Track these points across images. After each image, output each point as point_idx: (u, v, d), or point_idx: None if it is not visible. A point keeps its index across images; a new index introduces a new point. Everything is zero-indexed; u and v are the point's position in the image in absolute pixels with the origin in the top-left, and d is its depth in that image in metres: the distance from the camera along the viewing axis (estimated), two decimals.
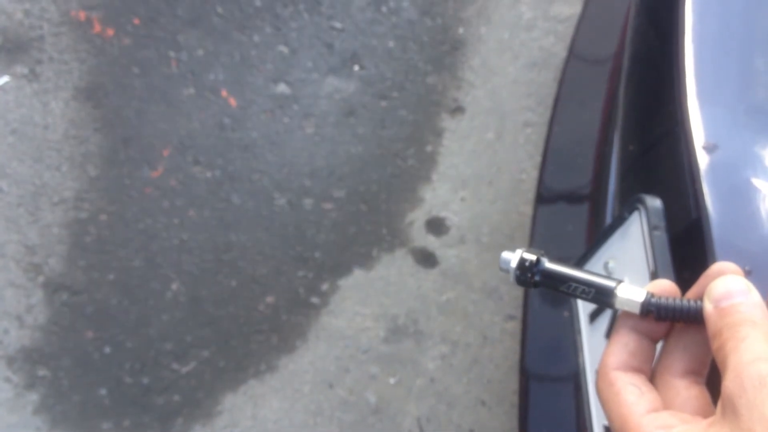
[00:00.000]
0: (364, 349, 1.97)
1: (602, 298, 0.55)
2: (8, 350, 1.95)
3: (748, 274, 0.87)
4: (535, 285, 0.58)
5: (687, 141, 0.97)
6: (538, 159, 2.14)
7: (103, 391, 1.92)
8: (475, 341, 1.99)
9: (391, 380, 1.94)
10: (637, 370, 0.54)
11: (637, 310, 0.54)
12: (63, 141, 2.18)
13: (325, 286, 2.04)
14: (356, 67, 2.33)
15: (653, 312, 0.53)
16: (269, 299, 2.02)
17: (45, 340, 1.96)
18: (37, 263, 2.03)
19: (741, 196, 0.92)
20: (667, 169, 1.01)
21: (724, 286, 0.52)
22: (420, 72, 2.35)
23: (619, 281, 0.55)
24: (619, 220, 0.99)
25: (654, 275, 0.89)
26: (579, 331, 1.09)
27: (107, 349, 1.96)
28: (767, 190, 0.91)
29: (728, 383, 0.47)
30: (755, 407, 0.45)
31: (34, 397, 1.91)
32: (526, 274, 0.58)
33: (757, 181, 0.93)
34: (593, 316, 1.06)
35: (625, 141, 1.20)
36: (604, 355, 0.55)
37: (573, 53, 2.01)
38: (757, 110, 1.00)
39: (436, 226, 2.12)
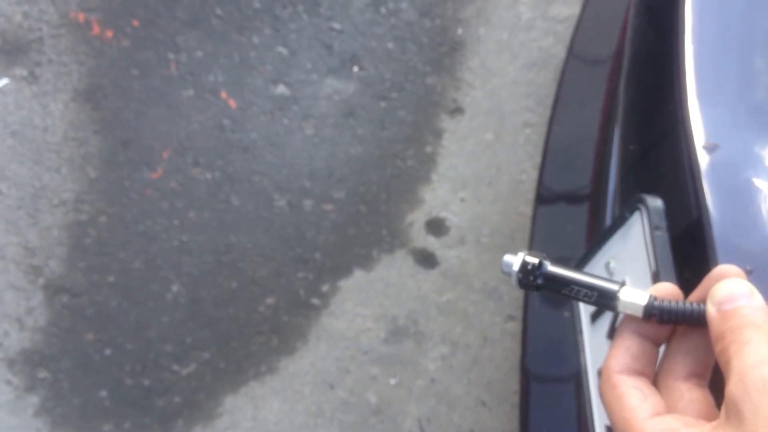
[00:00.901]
0: (364, 350, 1.97)
1: (605, 301, 0.55)
2: (8, 352, 1.95)
3: (749, 274, 0.87)
4: (538, 288, 0.58)
5: (687, 141, 0.97)
6: (538, 159, 2.14)
7: (103, 393, 1.92)
8: (475, 342, 1.99)
9: (392, 381, 1.94)
10: (639, 373, 0.54)
11: (639, 313, 0.54)
12: (62, 143, 2.18)
13: (325, 288, 2.04)
14: (355, 68, 2.33)
15: (656, 315, 0.53)
16: (269, 301, 2.02)
17: (45, 342, 1.96)
18: (37, 265, 2.03)
19: (742, 196, 0.92)
20: (667, 169, 1.01)
21: (727, 289, 0.52)
22: (419, 73, 2.35)
23: (622, 284, 0.55)
24: (620, 220, 0.99)
25: (655, 275, 0.89)
26: (580, 332, 1.09)
27: (107, 351, 1.96)
28: None
29: (732, 387, 0.47)
30: (759, 410, 0.45)
31: (34, 399, 1.91)
32: (528, 277, 0.58)
33: (758, 181, 0.93)
34: (594, 317, 1.06)
35: (625, 141, 1.20)
36: (606, 358, 0.55)
37: (572, 53, 2.01)
38: (757, 110, 1.00)
39: (436, 226, 2.12)
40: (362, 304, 2.02)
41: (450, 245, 2.09)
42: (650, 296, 0.54)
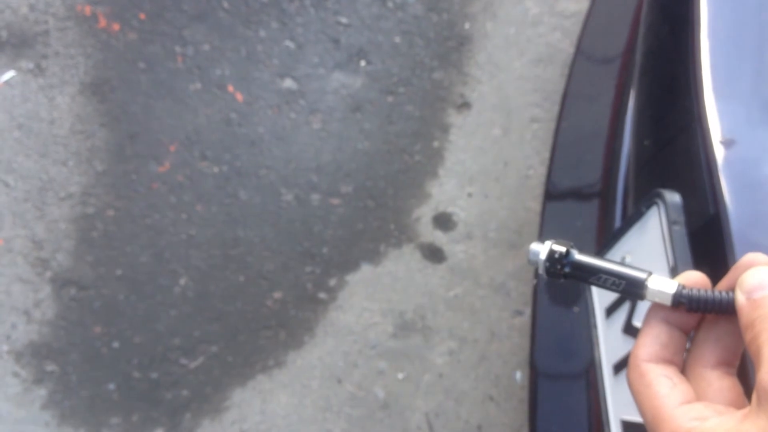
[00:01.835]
0: (372, 344, 1.98)
1: (633, 289, 0.55)
2: (16, 345, 1.95)
3: None
4: (565, 276, 0.58)
5: (704, 136, 0.97)
6: (545, 155, 2.14)
7: (111, 386, 1.92)
8: (482, 337, 1.99)
9: (400, 375, 1.95)
10: (668, 361, 0.54)
11: (668, 301, 0.54)
12: (69, 136, 2.17)
13: (332, 282, 2.04)
14: (362, 63, 2.33)
15: (684, 303, 0.53)
16: (277, 295, 2.02)
17: (53, 335, 1.96)
18: (45, 258, 2.03)
19: (759, 190, 0.92)
20: (684, 164, 1.01)
21: (757, 277, 0.51)
22: (426, 68, 2.35)
23: (650, 273, 0.55)
24: (637, 215, 0.99)
25: (674, 270, 0.89)
26: (594, 326, 1.09)
27: (115, 344, 1.96)
28: None
29: (763, 375, 0.47)
30: None
31: (42, 392, 1.91)
32: (555, 265, 0.58)
33: None
34: (610, 311, 1.06)
35: (639, 136, 1.20)
36: (635, 346, 0.55)
37: (580, 49, 2.00)
38: None
39: (444, 221, 2.12)
40: (370, 298, 2.03)
41: (457, 240, 2.09)
42: (679, 284, 0.54)
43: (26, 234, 2.05)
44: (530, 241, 2.04)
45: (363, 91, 2.29)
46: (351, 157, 2.19)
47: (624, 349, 1.00)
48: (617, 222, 1.54)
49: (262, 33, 2.34)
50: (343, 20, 2.39)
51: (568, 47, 2.37)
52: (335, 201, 2.13)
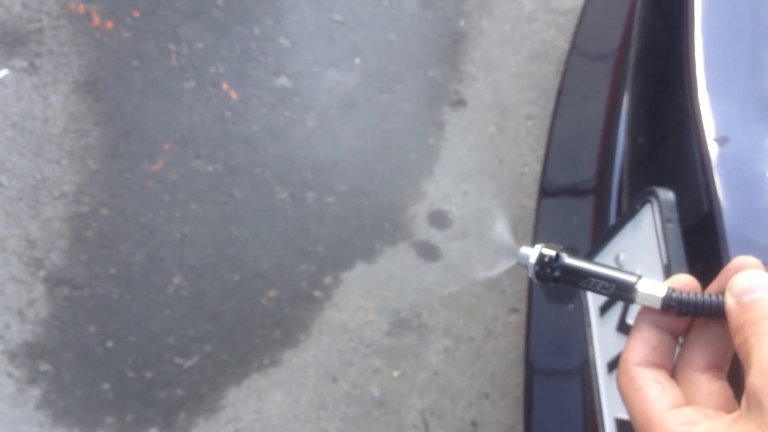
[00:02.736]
0: (367, 342, 1.97)
1: (623, 293, 0.55)
2: (10, 345, 1.94)
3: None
4: (555, 280, 0.58)
5: (698, 133, 0.97)
6: (540, 152, 2.14)
7: (105, 386, 1.91)
8: (478, 335, 1.98)
9: (395, 374, 1.94)
10: (658, 365, 0.54)
11: (658, 305, 0.54)
12: (63, 134, 2.17)
13: (327, 280, 2.04)
14: (357, 60, 2.32)
15: (674, 307, 0.53)
16: (272, 293, 2.02)
17: (47, 334, 1.96)
18: (38, 257, 2.02)
19: (754, 188, 0.92)
20: (678, 161, 1.01)
21: (746, 280, 0.51)
22: (421, 65, 2.34)
23: (639, 276, 0.55)
24: (631, 213, 0.98)
25: (667, 268, 0.88)
26: (589, 324, 1.09)
27: (109, 344, 1.95)
28: None
29: (753, 379, 0.47)
30: None
31: (36, 392, 1.90)
32: (545, 269, 0.58)
33: None
34: (603, 309, 1.06)
35: (633, 134, 1.20)
36: (624, 350, 0.55)
37: (575, 46, 2.00)
38: None
39: (439, 219, 2.11)
40: (365, 296, 2.02)
41: (452, 238, 2.09)
42: (668, 288, 0.54)
43: (20, 233, 2.05)
44: (526, 239, 2.04)
45: (358, 88, 2.28)
46: (346, 155, 2.18)
47: (618, 348, 1.00)
48: (612, 219, 1.54)
49: (257, 31, 2.33)
50: (338, 17, 2.38)
51: (563, 44, 2.37)
52: (330, 199, 2.13)
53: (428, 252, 2.07)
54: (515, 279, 2.02)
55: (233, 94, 2.24)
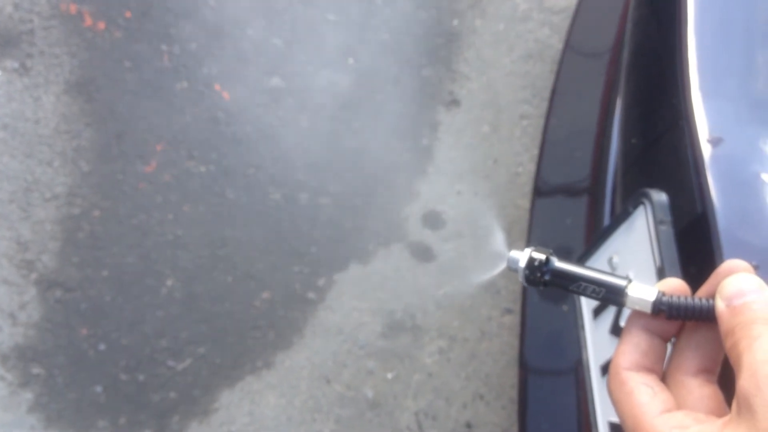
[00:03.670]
0: (361, 344, 1.96)
1: (613, 297, 0.55)
2: (2, 348, 1.93)
3: (755, 269, 0.86)
4: (545, 284, 0.58)
5: (691, 134, 0.96)
6: (535, 152, 2.13)
7: (98, 389, 1.90)
8: (472, 336, 1.98)
9: (389, 375, 1.93)
10: (649, 369, 0.54)
11: (648, 309, 0.54)
12: (55, 136, 2.15)
13: (321, 282, 2.03)
14: (351, 60, 2.32)
15: (664, 311, 0.53)
16: (265, 295, 2.01)
17: (39, 337, 1.94)
18: (30, 260, 2.01)
19: (747, 189, 0.91)
20: (671, 162, 1.00)
21: (737, 284, 0.52)
22: (415, 65, 2.33)
23: (630, 280, 0.54)
24: (624, 215, 0.97)
25: (660, 270, 0.88)
26: (582, 327, 1.08)
27: (102, 347, 1.94)
28: None
29: (743, 382, 0.47)
30: None
31: (28, 395, 1.89)
32: (535, 273, 0.58)
33: (763, 174, 0.92)
34: (597, 312, 1.05)
35: (627, 134, 1.19)
36: (615, 355, 0.55)
37: (569, 45, 1.99)
38: (762, 103, 0.99)
39: (433, 219, 2.11)
40: (359, 297, 2.01)
41: (447, 238, 2.08)
42: (659, 292, 0.54)
43: (11, 235, 2.03)
44: (521, 239, 2.03)
45: (351, 88, 2.27)
46: (339, 155, 2.17)
47: (611, 351, 0.99)
48: (606, 219, 1.53)
49: (250, 31, 2.32)
50: (331, 17, 2.37)
51: (557, 43, 2.36)
52: (323, 200, 2.12)
53: (422, 253, 2.07)
54: (509, 280, 2.02)
55: (226, 95, 2.23)
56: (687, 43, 1.04)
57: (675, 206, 0.93)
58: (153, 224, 2.06)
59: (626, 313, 0.96)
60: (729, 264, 0.53)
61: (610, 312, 1.01)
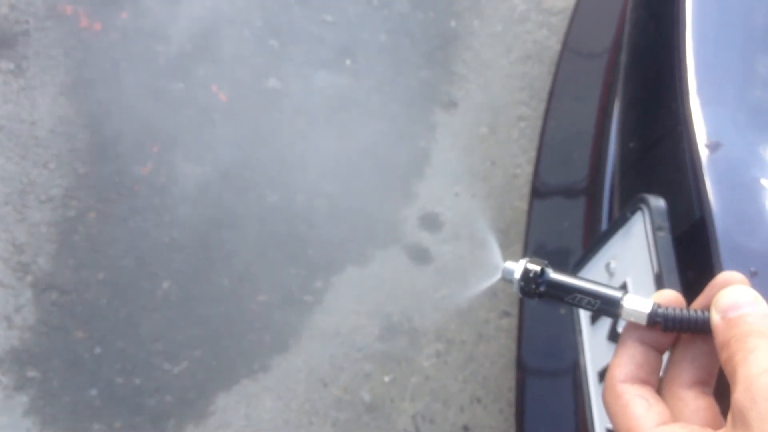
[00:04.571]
0: (358, 347, 1.95)
1: (608, 309, 0.55)
2: None
3: (754, 275, 0.85)
4: (540, 296, 0.58)
5: (689, 139, 0.95)
6: (533, 153, 2.12)
7: (93, 392, 1.89)
8: (469, 338, 1.97)
9: (386, 378, 1.93)
10: (644, 381, 0.54)
11: (643, 321, 0.54)
12: (50, 137, 2.14)
13: (318, 284, 2.02)
14: (348, 62, 2.31)
15: (660, 323, 0.53)
16: (262, 298, 2.00)
17: (34, 340, 1.93)
18: (26, 262, 2.00)
19: (745, 194, 0.91)
20: (669, 167, 1.00)
21: (732, 296, 0.52)
22: (412, 66, 2.32)
23: (625, 292, 0.55)
24: (622, 220, 0.97)
25: (658, 277, 0.87)
26: (579, 332, 1.07)
27: (97, 350, 1.93)
28: None
29: (738, 395, 0.47)
30: (766, 419, 0.45)
31: (23, 398, 1.88)
32: (530, 285, 0.58)
33: (761, 180, 0.91)
34: (594, 318, 1.05)
35: (624, 138, 1.18)
36: (610, 367, 0.55)
37: (567, 46, 1.99)
38: (760, 107, 0.99)
39: (430, 222, 2.10)
40: (356, 300, 2.00)
41: (444, 240, 2.07)
42: (654, 304, 0.54)
43: (7, 238, 2.02)
44: (518, 241, 2.02)
45: (348, 90, 2.26)
46: (336, 157, 2.16)
47: (609, 356, 0.98)
48: (604, 221, 1.53)
49: (246, 32, 2.31)
50: (328, 18, 2.36)
51: (555, 44, 2.35)
52: (320, 202, 2.11)
53: (420, 255, 2.06)
54: (507, 283, 2.01)
55: (222, 96, 2.22)
56: (685, 46, 1.03)
57: (673, 212, 0.92)
58: (149, 226, 2.05)
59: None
60: (724, 276, 0.53)
61: (608, 318, 1.01)
